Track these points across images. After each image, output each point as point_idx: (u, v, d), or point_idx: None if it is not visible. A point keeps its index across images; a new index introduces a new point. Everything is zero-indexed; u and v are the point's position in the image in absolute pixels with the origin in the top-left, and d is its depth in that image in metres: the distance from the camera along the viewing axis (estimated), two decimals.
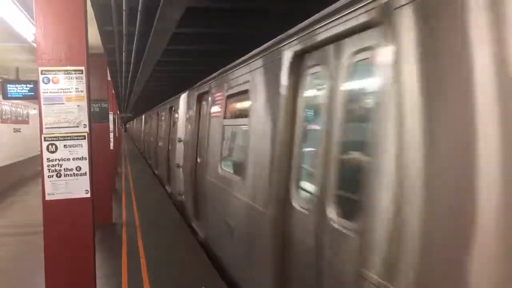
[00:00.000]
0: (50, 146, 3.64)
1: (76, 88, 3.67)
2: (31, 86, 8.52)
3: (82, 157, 3.71)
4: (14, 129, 14.90)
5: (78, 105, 3.68)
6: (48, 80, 3.63)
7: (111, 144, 11.43)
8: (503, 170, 1.50)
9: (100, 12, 5.43)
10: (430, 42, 1.83)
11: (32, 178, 14.72)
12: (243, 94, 4.68)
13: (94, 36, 6.54)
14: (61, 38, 3.63)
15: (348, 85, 2.64)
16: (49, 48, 3.62)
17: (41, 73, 3.62)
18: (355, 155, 2.57)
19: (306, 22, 3.13)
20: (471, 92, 1.61)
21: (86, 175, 3.72)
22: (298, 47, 3.18)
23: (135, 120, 42.07)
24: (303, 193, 3.18)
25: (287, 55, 3.32)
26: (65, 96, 3.65)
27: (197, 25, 6.25)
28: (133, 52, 7.60)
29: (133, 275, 5.47)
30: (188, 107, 8.58)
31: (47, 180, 3.65)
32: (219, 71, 5.97)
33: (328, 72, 2.81)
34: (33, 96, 8.57)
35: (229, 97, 5.36)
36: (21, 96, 8.79)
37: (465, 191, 1.62)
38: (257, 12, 5.90)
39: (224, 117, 5.54)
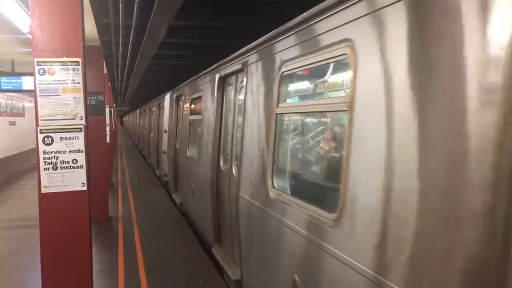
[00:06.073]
0: (46, 139, 3.61)
1: (72, 80, 3.63)
2: (27, 78, 8.45)
3: (79, 150, 3.68)
4: (9, 122, 14.78)
5: (75, 97, 3.65)
6: (44, 71, 3.59)
7: (108, 138, 11.36)
8: None
9: (97, 3, 5.37)
10: None
11: (29, 171, 14.67)
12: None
13: (90, 28, 6.48)
14: (57, 29, 3.59)
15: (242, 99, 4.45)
16: (45, 39, 3.58)
17: (37, 64, 3.57)
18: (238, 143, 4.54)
19: (226, 59, 5.02)
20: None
21: (82, 167, 3.70)
22: (222, 73, 5.26)
23: (130, 114, 45.72)
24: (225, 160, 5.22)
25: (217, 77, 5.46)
26: (61, 88, 3.62)
27: (194, 18, 6.20)
28: (130, 45, 7.55)
29: (130, 269, 5.46)
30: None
31: (43, 173, 3.62)
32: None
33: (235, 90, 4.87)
34: (29, 89, 8.50)
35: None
36: (16, 89, 8.73)
37: None
38: (255, 5, 5.86)
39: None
